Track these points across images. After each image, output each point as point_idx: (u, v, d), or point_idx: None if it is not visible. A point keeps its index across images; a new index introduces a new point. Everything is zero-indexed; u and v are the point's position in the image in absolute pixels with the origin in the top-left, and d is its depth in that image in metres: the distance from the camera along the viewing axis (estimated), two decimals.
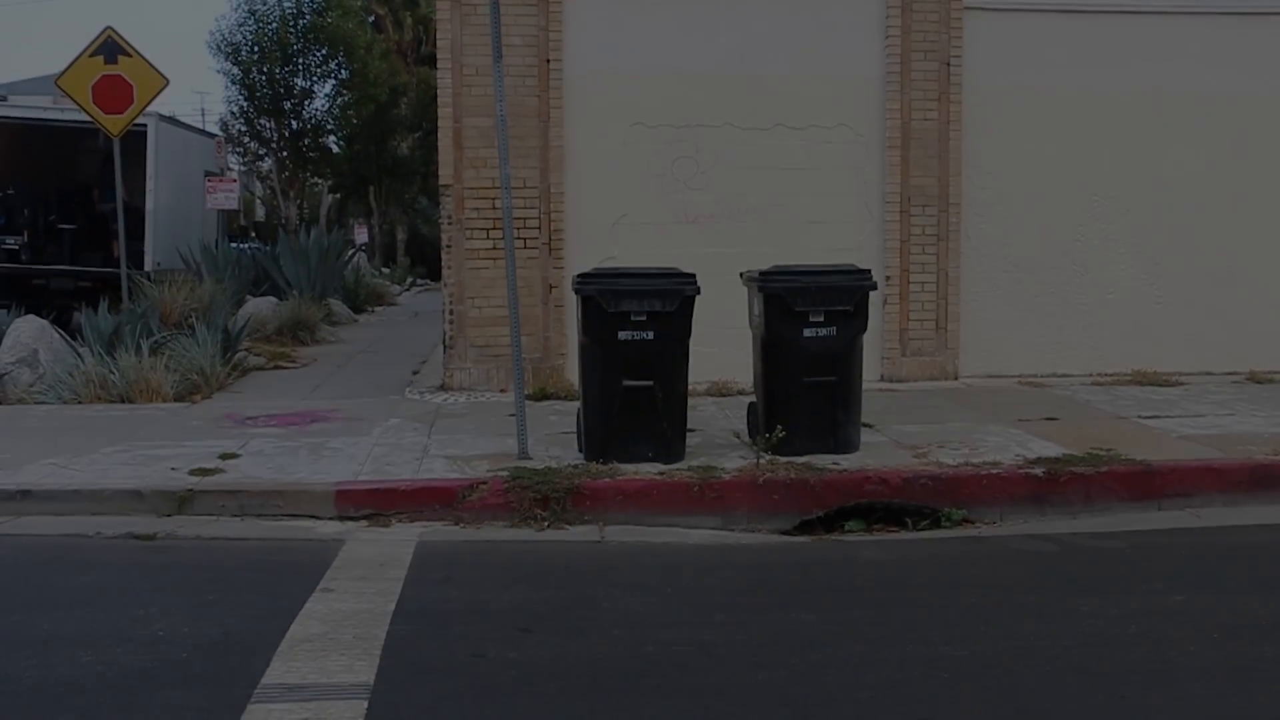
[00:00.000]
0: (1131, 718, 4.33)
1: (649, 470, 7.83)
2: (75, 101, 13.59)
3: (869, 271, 8.69)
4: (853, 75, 11.88)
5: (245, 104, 34.25)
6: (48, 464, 8.16)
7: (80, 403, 10.95)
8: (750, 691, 4.56)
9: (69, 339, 12.45)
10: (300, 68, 33.90)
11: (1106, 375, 12.06)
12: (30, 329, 12.03)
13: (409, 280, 38.50)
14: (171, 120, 22.49)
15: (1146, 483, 7.79)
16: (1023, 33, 12.12)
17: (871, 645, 5.06)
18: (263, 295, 19.90)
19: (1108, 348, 12.26)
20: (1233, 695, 4.54)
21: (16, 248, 19.91)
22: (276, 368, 14.22)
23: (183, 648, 5.01)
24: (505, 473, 7.73)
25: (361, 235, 42.67)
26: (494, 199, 11.14)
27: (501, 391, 11.21)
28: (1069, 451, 8.22)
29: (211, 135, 27.91)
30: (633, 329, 8.00)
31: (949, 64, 11.91)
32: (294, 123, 34.47)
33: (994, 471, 7.78)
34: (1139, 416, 9.82)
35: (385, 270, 39.08)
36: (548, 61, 11.47)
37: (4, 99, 22.23)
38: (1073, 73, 12.12)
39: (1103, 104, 12.18)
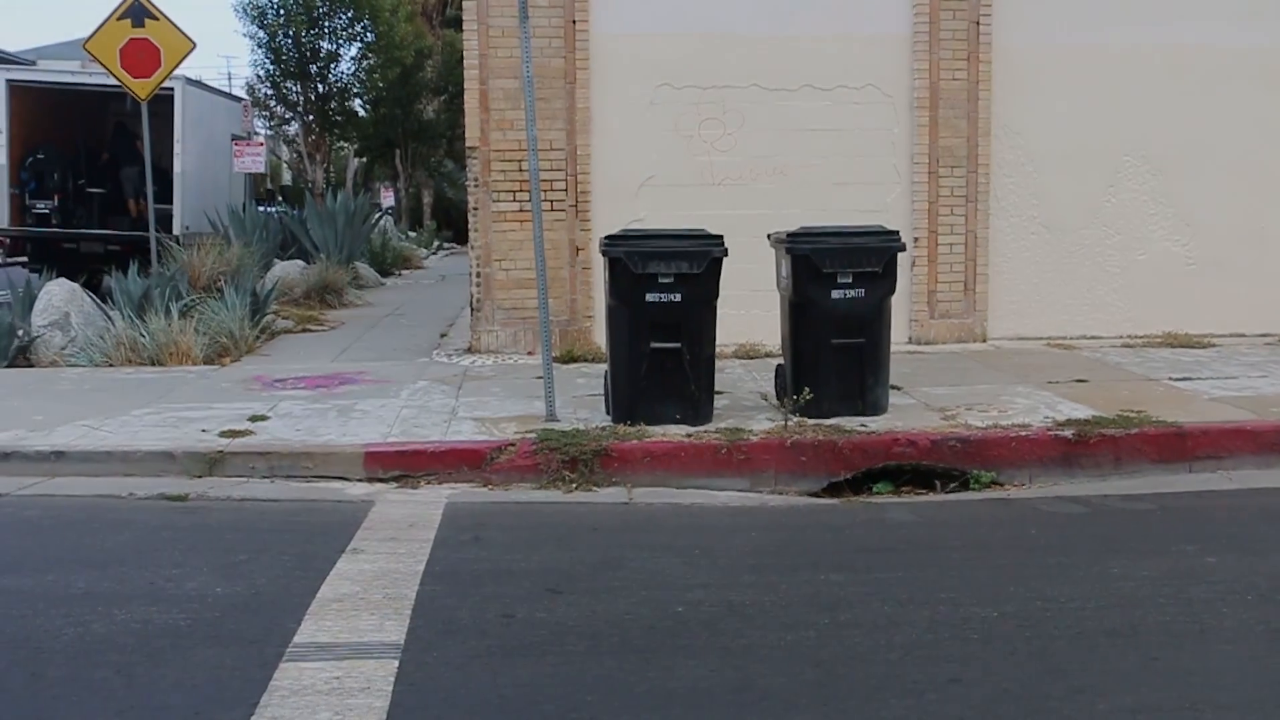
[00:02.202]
0: (1163, 680, 4.31)
1: (677, 432, 7.83)
2: (103, 65, 13.61)
3: (898, 233, 8.64)
4: (881, 35, 11.79)
5: (271, 67, 34.22)
6: (80, 426, 8.22)
7: (111, 365, 11.03)
8: (780, 651, 4.57)
9: (99, 302, 12.52)
10: (326, 31, 33.83)
11: (1137, 337, 11.98)
12: (61, 292, 12.11)
13: (435, 243, 38.56)
14: (198, 84, 22.51)
15: (1177, 445, 7.75)
16: None
17: (901, 606, 5.06)
18: (290, 259, 19.96)
19: (1138, 309, 12.18)
20: (1266, 657, 4.52)
21: (47, 212, 20.03)
22: (304, 330, 14.28)
23: (215, 607, 5.06)
24: (533, 435, 7.75)
25: (388, 199, 42.74)
26: (520, 161, 11.13)
27: (529, 354, 11.23)
28: (1099, 413, 8.17)
29: (238, 99, 27.93)
30: (660, 291, 7.98)
31: (978, 23, 11.79)
32: (320, 86, 34.43)
33: (1023, 434, 7.75)
34: (1170, 378, 9.76)
35: (412, 234, 39.12)
36: (574, 22, 11.41)
37: (33, 63, 22.31)
38: (1104, 31, 11.99)
39: (1135, 62, 12.05)
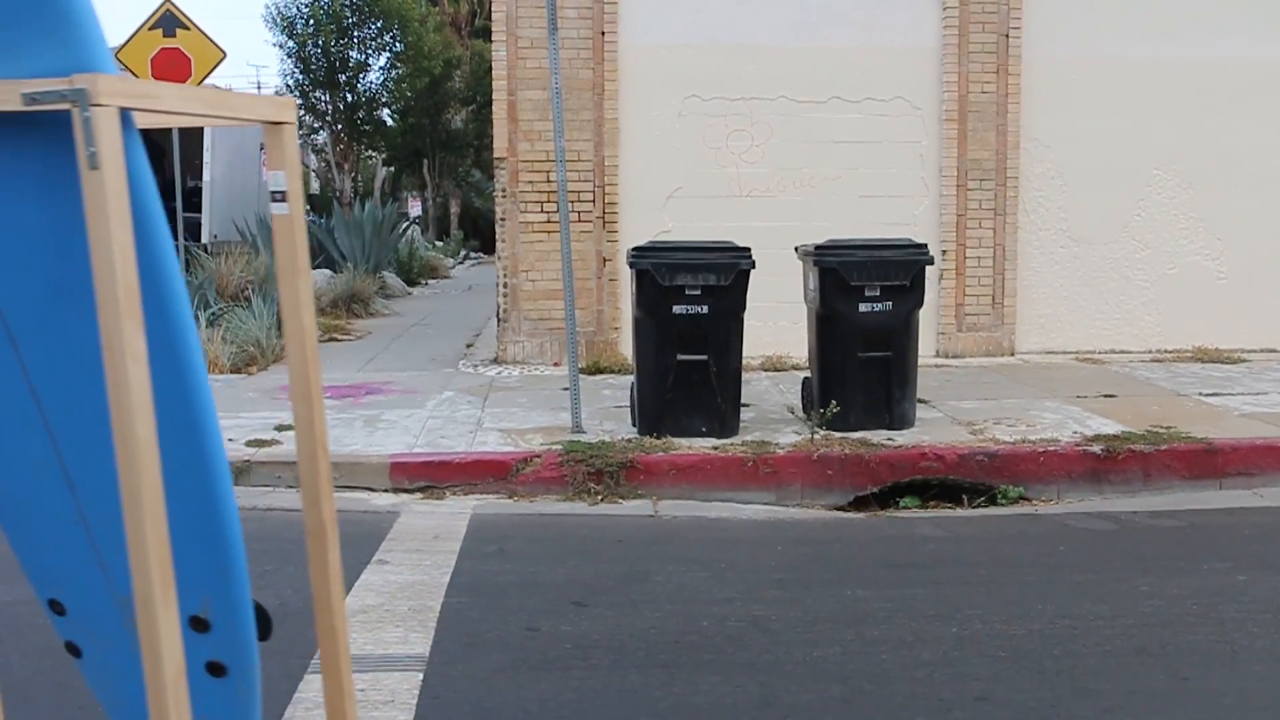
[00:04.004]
0: (1193, 700, 4.27)
1: (703, 445, 7.82)
2: (134, 74, 13.70)
3: (926, 246, 8.61)
4: (910, 47, 11.76)
5: (300, 77, 34.44)
6: None
7: None
8: (805, 667, 4.54)
9: None
10: (355, 40, 34.05)
11: (1166, 352, 11.91)
12: None
13: (462, 253, 38.63)
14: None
15: (1207, 461, 7.69)
16: (1084, 3, 11.93)
17: (927, 622, 5.03)
18: (317, 268, 20.03)
19: (1168, 324, 12.10)
20: None
21: None
22: (331, 340, 14.32)
23: None
24: (559, 446, 7.75)
25: (415, 208, 42.88)
26: (548, 172, 11.14)
27: (555, 365, 11.23)
28: (1128, 429, 8.12)
29: None
30: (687, 303, 7.97)
31: (1008, 35, 11.75)
32: (349, 96, 34.64)
33: (1051, 449, 7.71)
34: (1200, 394, 9.69)
35: (439, 243, 39.22)
36: (603, 34, 11.43)
37: None
38: (1135, 44, 11.93)
39: (1166, 76, 11.98)
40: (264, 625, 2.14)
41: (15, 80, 1.76)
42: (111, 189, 1.74)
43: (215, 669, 2.12)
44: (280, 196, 2.21)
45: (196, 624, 2.04)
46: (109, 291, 1.76)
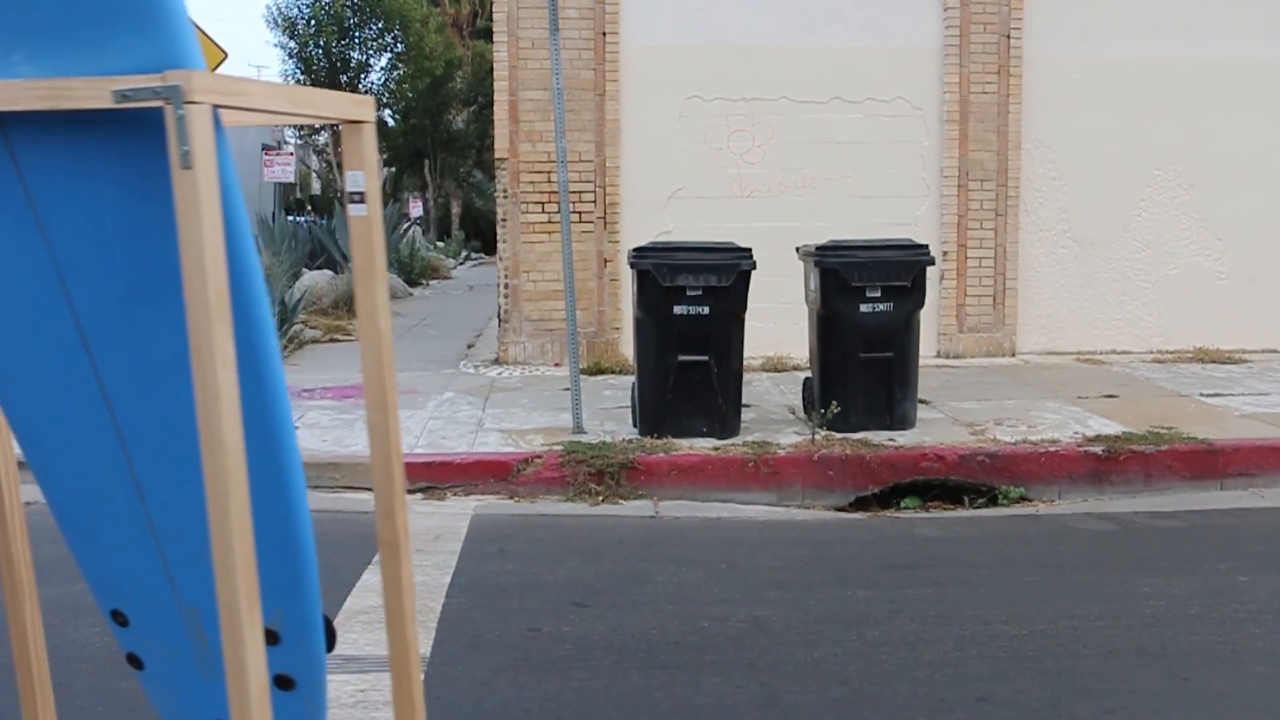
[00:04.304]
0: (1194, 700, 4.27)
1: (704, 445, 7.82)
2: None
3: (927, 246, 8.61)
4: (911, 48, 11.76)
5: (302, 77, 34.46)
6: None
7: None
8: (805, 668, 4.54)
9: None
10: (356, 41, 34.09)
11: (1167, 352, 11.91)
12: None
13: (463, 254, 38.65)
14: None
15: (1209, 462, 7.69)
16: (1085, 4, 11.93)
17: (928, 623, 5.03)
18: (318, 269, 20.04)
19: (1169, 324, 12.10)
20: None
21: None
22: (332, 340, 14.33)
23: None
24: (560, 447, 7.75)
25: (416, 209, 42.85)
26: (549, 173, 11.15)
27: (556, 366, 11.23)
28: (1129, 429, 8.12)
29: None
30: (688, 303, 7.97)
31: (1009, 36, 11.75)
32: None
33: (1052, 449, 7.70)
34: (1201, 394, 9.69)
35: (440, 244, 39.25)
36: (604, 34, 11.43)
37: None
38: (1135, 44, 11.93)
39: (1166, 77, 11.98)
40: (329, 637, 2.08)
41: (104, 77, 1.69)
42: (204, 189, 1.68)
43: (284, 682, 2.05)
44: (358, 197, 2.13)
45: (266, 636, 1.99)
46: (199, 295, 1.69)
